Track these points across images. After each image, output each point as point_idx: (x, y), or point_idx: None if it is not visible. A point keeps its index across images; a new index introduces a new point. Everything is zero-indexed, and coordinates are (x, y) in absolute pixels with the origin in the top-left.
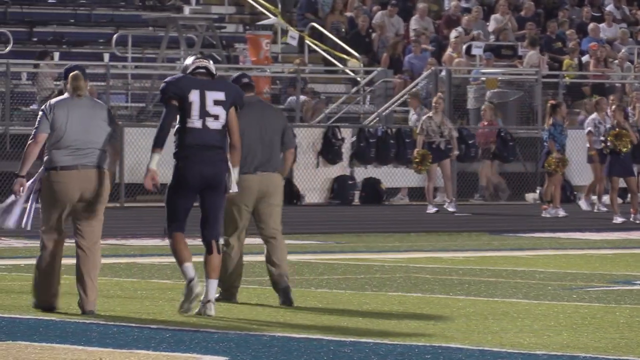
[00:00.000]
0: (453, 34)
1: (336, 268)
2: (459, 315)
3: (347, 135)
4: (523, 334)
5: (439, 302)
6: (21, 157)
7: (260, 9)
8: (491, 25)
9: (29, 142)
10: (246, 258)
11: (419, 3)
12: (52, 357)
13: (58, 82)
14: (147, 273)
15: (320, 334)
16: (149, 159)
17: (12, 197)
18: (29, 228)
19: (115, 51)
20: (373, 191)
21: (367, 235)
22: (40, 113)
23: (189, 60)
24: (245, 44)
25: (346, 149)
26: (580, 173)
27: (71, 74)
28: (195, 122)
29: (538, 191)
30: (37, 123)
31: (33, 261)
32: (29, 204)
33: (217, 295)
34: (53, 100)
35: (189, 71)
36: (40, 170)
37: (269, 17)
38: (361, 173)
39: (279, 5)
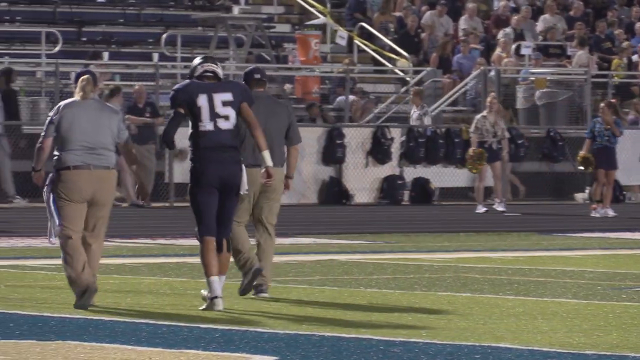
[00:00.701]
0: (502, 33)
1: (385, 268)
2: (508, 315)
3: (397, 135)
4: (572, 334)
5: (488, 302)
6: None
7: (309, 8)
8: (540, 26)
9: (37, 145)
10: (295, 258)
11: (468, 3)
12: (102, 357)
13: (108, 83)
14: (197, 272)
15: (370, 334)
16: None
17: (45, 196)
18: (55, 233)
19: (164, 51)
20: (422, 191)
21: (416, 235)
22: (48, 118)
23: (197, 62)
24: (295, 44)
25: (395, 149)
26: (630, 173)
27: (80, 80)
28: (207, 125)
29: (587, 191)
30: (44, 128)
31: None
32: (52, 210)
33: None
34: (62, 103)
35: (197, 74)
36: (50, 174)
37: (318, 17)
38: (410, 173)
39: (328, 5)
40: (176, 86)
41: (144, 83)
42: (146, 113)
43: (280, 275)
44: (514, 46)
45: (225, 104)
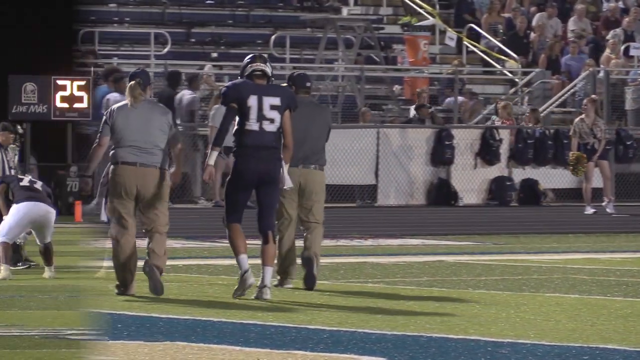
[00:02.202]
0: (611, 34)
1: (494, 269)
2: (617, 316)
3: (505, 136)
4: None
5: (597, 303)
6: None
7: (418, 9)
8: None
9: (94, 145)
10: (403, 259)
11: (577, 4)
12: (210, 358)
13: (219, 83)
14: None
15: (478, 335)
16: (208, 156)
17: (95, 200)
18: (104, 219)
19: (273, 52)
20: (531, 192)
21: (524, 236)
22: (103, 119)
23: (247, 60)
24: (403, 45)
25: (504, 150)
26: None
27: (128, 85)
28: (253, 124)
29: None
30: (100, 128)
31: (191, 262)
32: (102, 197)
33: (275, 281)
34: (115, 106)
35: (246, 73)
36: (107, 166)
37: (426, 18)
38: (519, 174)
39: (437, 6)
40: (228, 83)
41: None
42: None
43: (389, 277)
44: (623, 47)
45: (272, 107)
